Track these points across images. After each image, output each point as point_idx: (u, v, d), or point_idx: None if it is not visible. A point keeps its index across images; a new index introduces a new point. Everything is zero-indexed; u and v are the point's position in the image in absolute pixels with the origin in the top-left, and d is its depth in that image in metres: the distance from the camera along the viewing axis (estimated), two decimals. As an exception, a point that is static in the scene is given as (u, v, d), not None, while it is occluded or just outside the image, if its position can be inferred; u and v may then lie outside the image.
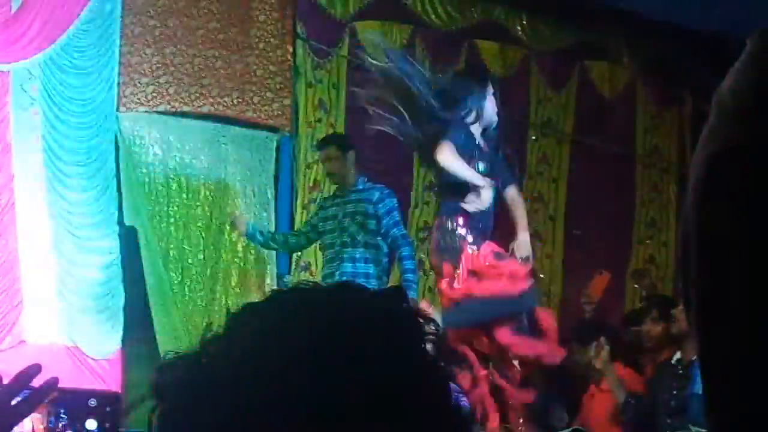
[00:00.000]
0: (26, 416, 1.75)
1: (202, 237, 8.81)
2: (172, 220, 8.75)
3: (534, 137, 10.67)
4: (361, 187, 7.74)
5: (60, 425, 1.50)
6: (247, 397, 1.06)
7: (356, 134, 9.58)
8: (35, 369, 1.78)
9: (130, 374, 8.34)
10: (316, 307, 1.12)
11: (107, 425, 1.58)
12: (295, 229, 8.22)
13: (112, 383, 8.05)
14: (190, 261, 8.78)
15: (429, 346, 1.14)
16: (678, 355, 6.94)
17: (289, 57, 9.24)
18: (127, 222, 8.55)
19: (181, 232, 8.77)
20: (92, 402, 1.57)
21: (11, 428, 1.71)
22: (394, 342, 1.11)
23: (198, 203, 8.88)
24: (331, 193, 8.02)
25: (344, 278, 7.45)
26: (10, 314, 8.03)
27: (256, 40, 9.06)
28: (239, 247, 8.87)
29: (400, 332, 1.13)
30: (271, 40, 9.12)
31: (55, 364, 7.76)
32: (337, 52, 9.54)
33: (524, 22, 10.40)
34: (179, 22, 8.76)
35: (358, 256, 7.58)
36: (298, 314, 1.11)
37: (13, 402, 1.71)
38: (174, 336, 8.42)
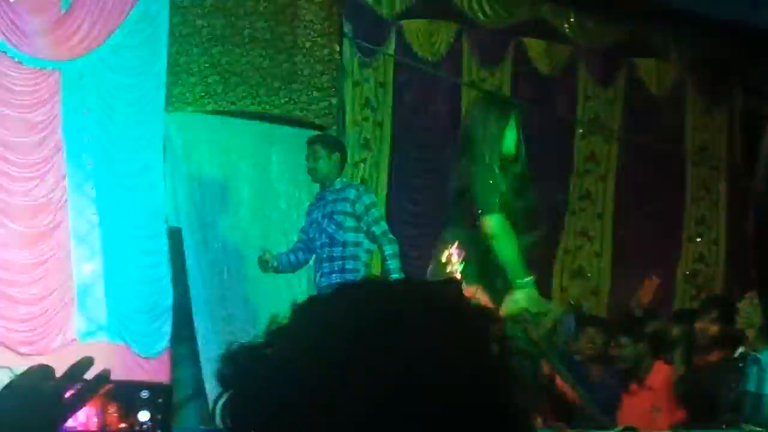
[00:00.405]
0: (79, 409, 1.75)
1: (248, 237, 8.82)
2: (218, 219, 8.77)
3: (581, 135, 10.62)
4: (338, 186, 7.67)
5: (112, 417, 1.51)
6: (310, 389, 1.07)
7: (403, 133, 9.61)
8: (88, 362, 1.79)
9: (177, 372, 8.42)
10: (381, 301, 1.12)
11: (159, 417, 1.60)
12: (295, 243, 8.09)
13: (161, 381, 8.08)
14: (236, 261, 8.80)
15: (495, 346, 1.13)
16: (740, 349, 6.89)
17: (336, 56, 9.24)
18: (174, 222, 8.58)
19: (227, 232, 8.79)
20: (144, 394, 1.59)
21: (65, 421, 1.71)
22: (463, 341, 1.10)
23: (244, 203, 8.89)
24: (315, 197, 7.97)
25: (325, 279, 7.53)
26: (62, 313, 8.08)
27: (303, 39, 9.06)
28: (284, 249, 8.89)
29: (469, 331, 1.12)
30: (318, 39, 9.13)
31: (105, 362, 7.80)
32: (384, 51, 9.54)
33: (572, 20, 10.35)
34: (227, 21, 8.79)
35: (336, 254, 7.54)
36: (362, 308, 1.11)
37: (67, 395, 1.72)
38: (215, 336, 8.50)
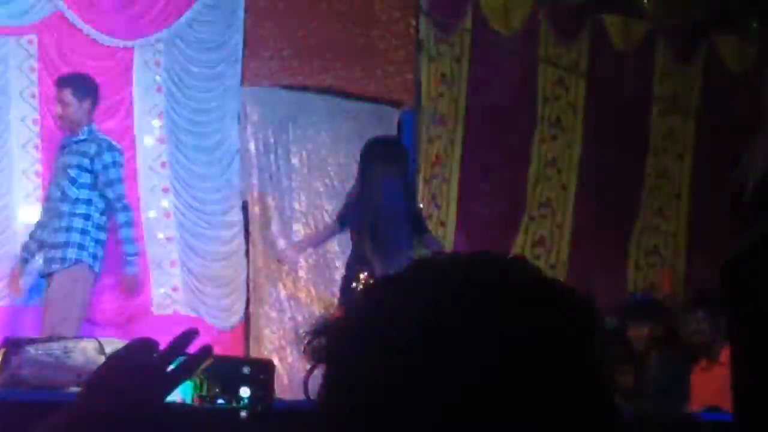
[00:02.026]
0: (181, 383, 1.74)
1: (326, 211, 8.82)
2: (294, 194, 8.77)
3: (658, 112, 10.50)
4: (83, 137, 7.12)
5: (213, 392, 1.51)
6: (403, 368, 1.06)
7: (478, 109, 9.55)
8: (192, 335, 1.77)
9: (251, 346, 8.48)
10: (469, 279, 1.10)
11: (260, 393, 1.59)
12: None
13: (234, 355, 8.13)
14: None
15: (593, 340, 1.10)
16: None
17: (412, 31, 9.19)
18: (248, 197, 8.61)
19: (303, 205, 8.79)
20: (245, 370, 1.58)
21: (167, 394, 1.70)
22: (566, 330, 1.07)
23: (319, 178, 8.89)
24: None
25: (54, 235, 7.05)
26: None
27: (380, 13, 9.02)
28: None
29: (575, 323, 1.09)
30: (395, 13, 9.09)
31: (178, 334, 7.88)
32: (461, 26, 9.46)
33: (652, -5, 10.22)
34: (303, -5, 8.78)
35: (66, 210, 7.06)
36: (448, 286, 1.10)
37: (169, 368, 1.71)
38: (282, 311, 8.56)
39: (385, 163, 7.16)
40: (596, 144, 9.93)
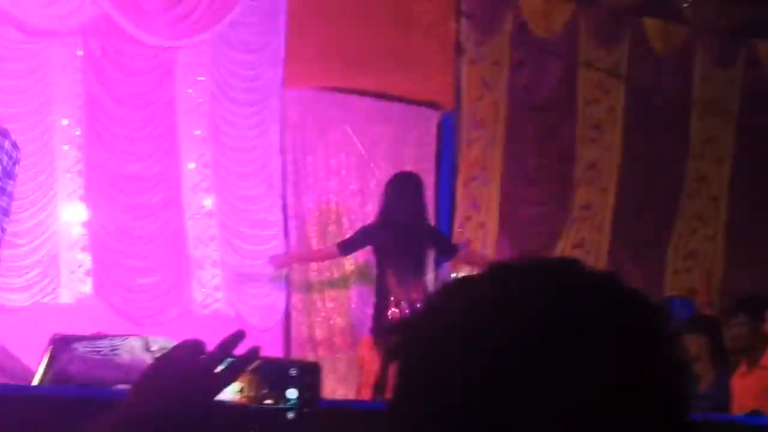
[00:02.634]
0: (229, 384, 1.78)
1: (363, 213, 8.86)
2: (332, 196, 8.82)
3: (698, 116, 10.47)
4: None
5: (260, 393, 1.53)
6: (480, 371, 1.07)
7: (518, 112, 9.56)
8: (239, 336, 1.81)
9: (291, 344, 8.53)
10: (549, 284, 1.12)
11: (307, 395, 1.61)
12: None
13: (275, 353, 8.17)
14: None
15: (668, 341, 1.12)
16: None
17: (452, 34, 9.21)
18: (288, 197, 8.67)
19: (341, 207, 8.84)
20: (293, 371, 1.60)
21: (215, 395, 1.74)
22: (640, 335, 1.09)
23: (357, 180, 8.92)
24: None
25: None
26: (178, 284, 8.22)
27: (420, 16, 9.05)
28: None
29: (656, 327, 1.11)
30: (435, 16, 9.11)
31: (220, 333, 7.94)
32: (501, 29, 9.47)
33: (691, -1, 10.19)
34: (344, -1, 8.82)
35: None
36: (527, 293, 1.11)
37: (217, 369, 1.74)
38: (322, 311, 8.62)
39: (403, 191, 7.69)
40: (636, 147, 9.92)
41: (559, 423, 1.04)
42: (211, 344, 1.77)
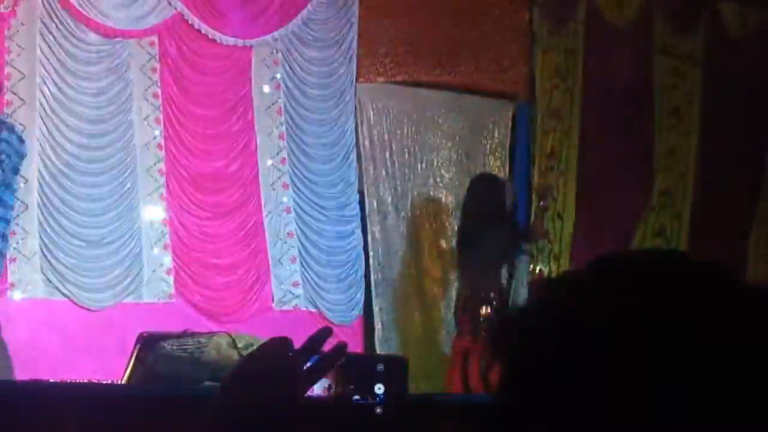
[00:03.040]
0: (318, 381, 1.79)
1: (441, 207, 8.86)
2: (408, 190, 8.82)
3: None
4: None
5: (348, 389, 1.55)
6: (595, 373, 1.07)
7: (593, 101, 9.48)
8: (327, 333, 1.83)
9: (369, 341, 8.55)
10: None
11: (394, 389, 1.62)
12: None
13: (354, 350, 8.20)
14: (425, 232, 8.85)
15: None
16: None
17: (525, 24, 9.17)
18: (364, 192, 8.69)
19: (417, 201, 8.84)
20: (380, 367, 1.62)
21: (304, 392, 1.76)
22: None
23: (432, 173, 8.92)
24: None
25: None
26: (258, 282, 8.28)
27: (492, 7, 9.03)
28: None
29: None
30: (507, 6, 9.08)
31: (299, 330, 8.00)
32: (574, 17, 9.41)
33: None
34: (417, -9, 8.82)
35: None
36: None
37: (305, 367, 1.76)
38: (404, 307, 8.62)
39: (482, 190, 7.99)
40: (714, 133, 9.80)
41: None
42: (292, 340, 1.78)
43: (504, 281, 7.73)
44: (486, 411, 1.14)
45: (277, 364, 1.74)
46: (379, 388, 1.85)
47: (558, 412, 1.08)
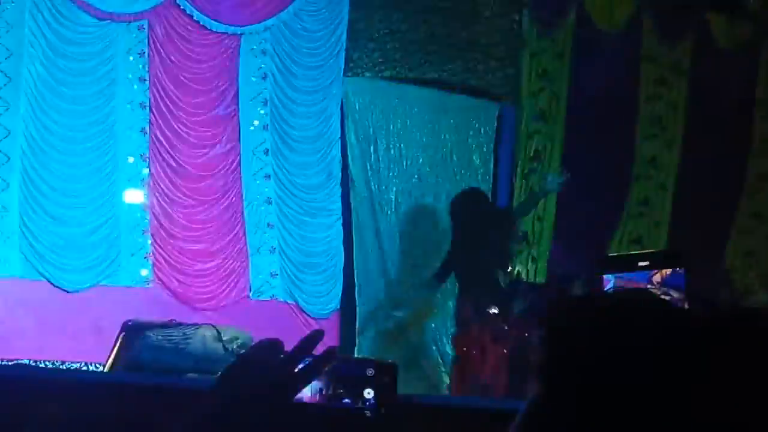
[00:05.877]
0: (308, 384, 1.79)
1: (422, 204, 8.87)
2: (391, 185, 8.83)
3: (761, 114, 10.35)
4: None
5: (338, 393, 1.55)
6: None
7: (579, 106, 9.50)
8: (318, 336, 1.83)
9: (345, 334, 8.55)
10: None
11: (384, 394, 1.63)
12: None
13: (329, 343, 8.18)
14: (408, 228, 8.86)
15: None
16: None
17: (514, 26, 9.19)
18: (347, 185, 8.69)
19: (400, 197, 8.85)
20: (370, 371, 1.63)
21: (294, 394, 1.76)
22: None
23: (416, 170, 8.93)
24: None
25: None
26: (235, 271, 8.27)
27: (483, 8, 9.04)
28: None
29: None
30: (498, 8, 9.10)
31: (275, 320, 8.01)
32: (564, 22, 9.43)
33: (759, -5, 10.08)
34: (407, -11, 8.82)
35: None
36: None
37: (296, 369, 1.76)
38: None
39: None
40: (696, 144, 9.83)
41: None
42: (267, 332, 1.79)
43: (501, 281, 7.76)
44: (475, 414, 1.17)
45: (267, 366, 1.74)
46: (369, 393, 1.85)
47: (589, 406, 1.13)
